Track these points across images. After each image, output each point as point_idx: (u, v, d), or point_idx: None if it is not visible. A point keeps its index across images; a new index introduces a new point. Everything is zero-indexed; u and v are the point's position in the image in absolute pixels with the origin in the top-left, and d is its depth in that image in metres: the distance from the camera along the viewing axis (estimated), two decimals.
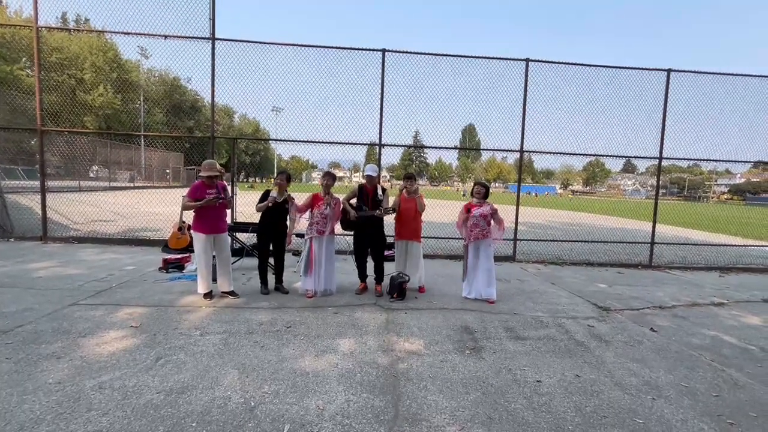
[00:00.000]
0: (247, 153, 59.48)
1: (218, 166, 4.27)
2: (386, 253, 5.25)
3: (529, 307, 4.70)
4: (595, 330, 4.02)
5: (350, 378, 2.76)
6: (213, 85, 7.07)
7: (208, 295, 4.34)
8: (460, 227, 4.94)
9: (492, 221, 4.79)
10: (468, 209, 4.82)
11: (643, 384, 2.89)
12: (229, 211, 6.93)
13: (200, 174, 4.22)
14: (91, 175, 28.02)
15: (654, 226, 8.08)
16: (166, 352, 2.99)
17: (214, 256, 4.46)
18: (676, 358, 3.40)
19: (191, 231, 4.51)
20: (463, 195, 39.38)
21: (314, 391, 2.55)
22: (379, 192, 4.75)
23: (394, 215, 4.89)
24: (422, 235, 5.13)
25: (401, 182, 5.07)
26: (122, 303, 4.05)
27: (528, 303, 4.89)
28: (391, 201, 4.90)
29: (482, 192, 4.86)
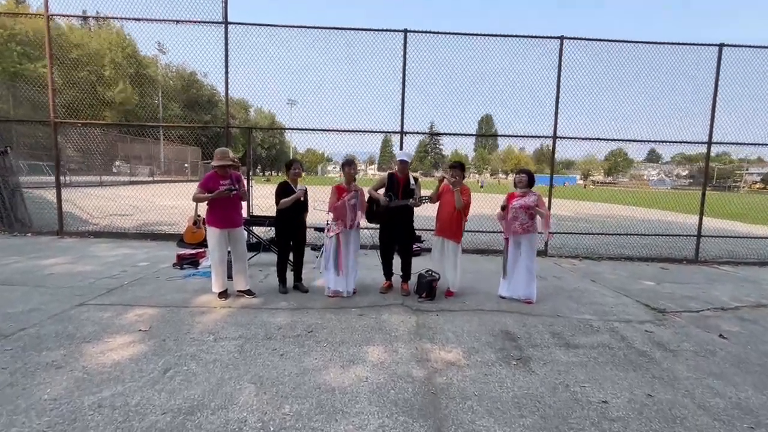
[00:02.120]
0: (263, 146, 59.64)
1: (231, 155, 3.92)
2: (413, 246, 4.85)
3: (573, 308, 4.24)
4: (656, 336, 3.53)
5: (383, 395, 2.38)
6: (227, 72, 6.74)
7: (223, 294, 4.04)
8: (500, 219, 4.44)
9: (537, 214, 4.25)
10: (510, 200, 4.33)
11: (732, 407, 2.42)
12: (244, 204, 6.69)
13: (212, 163, 3.89)
14: (114, 170, 28.55)
15: (701, 218, 7.41)
16: (175, 361, 2.68)
17: (229, 252, 4.15)
18: (762, 372, 2.90)
19: (205, 225, 4.19)
20: (481, 186, 38.42)
21: (342, 413, 2.18)
22: (411, 181, 4.31)
23: (434, 205, 4.47)
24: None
25: (416, 171, 4.62)
26: (132, 303, 3.78)
27: (570, 303, 4.42)
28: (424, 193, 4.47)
29: (524, 180, 4.30)
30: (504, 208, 4.31)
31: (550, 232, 4.34)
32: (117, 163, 29.54)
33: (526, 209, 4.21)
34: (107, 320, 3.33)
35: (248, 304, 3.93)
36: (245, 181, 5.69)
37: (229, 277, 4.20)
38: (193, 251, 5.45)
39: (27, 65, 29.75)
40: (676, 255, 7.46)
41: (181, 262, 5.21)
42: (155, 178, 31.31)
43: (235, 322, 3.44)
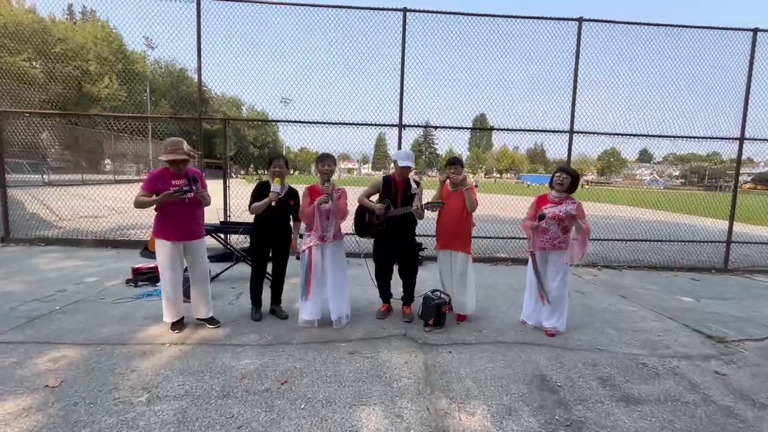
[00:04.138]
0: (255, 145, 58.31)
1: (186, 147, 3.06)
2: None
3: (614, 338, 3.45)
4: (732, 381, 2.75)
5: None
6: (199, 56, 5.85)
7: (178, 325, 3.18)
8: (527, 228, 3.53)
9: (573, 228, 3.29)
10: (541, 205, 3.43)
11: None
12: (220, 210, 5.80)
13: (161, 157, 3.03)
14: (106, 168, 27.59)
15: (731, 222, 6.69)
16: None
17: (186, 269, 3.31)
18: None
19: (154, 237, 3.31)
20: (476, 186, 37.72)
21: None
22: (413, 185, 3.45)
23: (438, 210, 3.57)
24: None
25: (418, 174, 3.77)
26: (53, 339, 2.90)
27: (609, 330, 3.63)
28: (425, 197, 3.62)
29: (566, 183, 3.32)
30: (542, 218, 3.32)
31: (578, 257, 3.32)
32: (107, 161, 28.45)
33: (560, 220, 3.30)
34: (7, 369, 2.46)
35: (208, 338, 3.07)
36: (223, 184, 4.86)
37: (187, 297, 3.35)
38: (153, 264, 4.56)
39: (6, 58, 28.51)
40: (703, 263, 6.74)
41: (137, 277, 4.34)
42: (142, 177, 30.19)
43: (185, 368, 2.59)
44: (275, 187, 3.33)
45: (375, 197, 3.65)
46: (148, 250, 5.72)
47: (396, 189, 3.52)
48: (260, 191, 3.44)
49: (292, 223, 3.63)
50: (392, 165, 3.74)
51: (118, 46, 35.83)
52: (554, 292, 3.43)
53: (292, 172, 3.40)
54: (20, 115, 6.05)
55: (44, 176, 20.36)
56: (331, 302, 3.37)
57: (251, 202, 3.41)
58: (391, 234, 3.52)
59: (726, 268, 6.61)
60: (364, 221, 3.59)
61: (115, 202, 12.37)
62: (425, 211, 3.40)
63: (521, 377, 2.68)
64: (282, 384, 2.44)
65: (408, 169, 3.47)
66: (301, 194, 3.47)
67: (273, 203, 3.30)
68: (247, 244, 5.65)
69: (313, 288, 3.29)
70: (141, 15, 6.15)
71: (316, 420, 2.10)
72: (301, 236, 3.98)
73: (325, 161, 3.31)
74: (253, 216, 3.47)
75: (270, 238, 3.51)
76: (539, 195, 3.53)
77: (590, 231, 3.32)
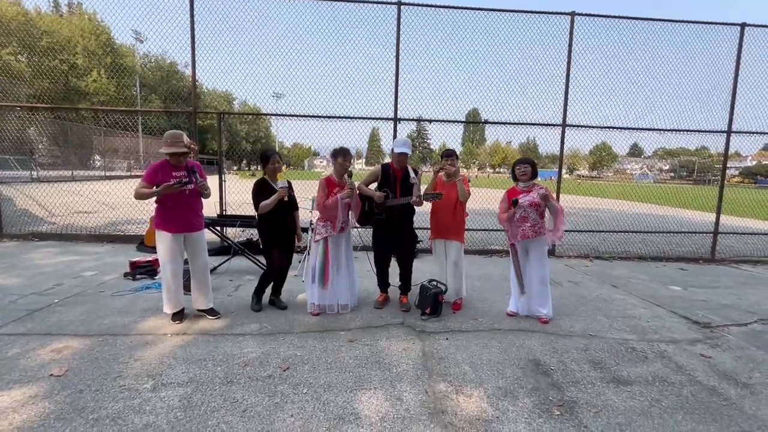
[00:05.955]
0: (248, 140, 57.81)
1: (186, 140, 3.07)
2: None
3: (605, 325, 3.56)
4: (716, 363, 2.87)
5: None
6: (193, 48, 5.82)
7: (178, 316, 3.22)
8: (503, 222, 3.63)
9: (546, 211, 3.48)
10: (512, 197, 3.53)
11: None
12: (216, 203, 5.81)
13: (161, 149, 3.04)
14: (96, 164, 27.24)
15: (718, 214, 6.85)
16: (86, 431, 1.87)
17: (186, 261, 3.33)
18: None
19: (155, 229, 3.33)
20: (469, 181, 37.88)
21: None
22: (411, 174, 3.54)
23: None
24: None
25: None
26: (55, 331, 2.93)
27: (600, 317, 3.74)
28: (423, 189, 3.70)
29: (528, 172, 3.49)
30: (516, 203, 3.44)
31: (558, 236, 3.52)
32: (97, 157, 28.08)
33: (536, 207, 3.42)
34: (11, 360, 2.48)
35: (209, 329, 3.11)
36: (219, 177, 4.86)
37: (187, 289, 3.39)
38: (151, 257, 4.58)
39: None
40: (691, 253, 6.91)
41: (135, 271, 4.35)
42: (133, 173, 29.82)
43: (188, 356, 2.64)
44: (282, 183, 3.36)
45: (373, 186, 3.70)
46: (144, 245, 5.73)
47: (395, 178, 3.58)
48: (263, 189, 3.41)
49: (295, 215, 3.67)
50: (387, 156, 3.83)
51: (106, 39, 35.19)
52: (538, 276, 3.54)
53: (284, 167, 3.50)
54: (11, 109, 5.97)
55: (32, 172, 20.08)
56: (347, 289, 3.56)
57: (256, 202, 3.39)
58: (390, 224, 3.59)
59: (713, 258, 6.78)
60: (364, 210, 3.65)
61: (107, 197, 12.29)
62: (429, 200, 3.50)
63: (516, 362, 2.77)
64: (284, 371, 2.50)
65: (405, 155, 3.53)
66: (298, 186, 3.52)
67: (285, 198, 3.34)
68: (243, 238, 5.69)
69: (331, 276, 3.40)
70: (131, 7, 6.11)
71: (319, 404, 2.17)
72: (304, 229, 4.03)
73: (347, 156, 3.42)
74: (258, 215, 3.47)
75: (279, 234, 3.53)
76: (508, 189, 3.64)
77: (563, 209, 3.47)
